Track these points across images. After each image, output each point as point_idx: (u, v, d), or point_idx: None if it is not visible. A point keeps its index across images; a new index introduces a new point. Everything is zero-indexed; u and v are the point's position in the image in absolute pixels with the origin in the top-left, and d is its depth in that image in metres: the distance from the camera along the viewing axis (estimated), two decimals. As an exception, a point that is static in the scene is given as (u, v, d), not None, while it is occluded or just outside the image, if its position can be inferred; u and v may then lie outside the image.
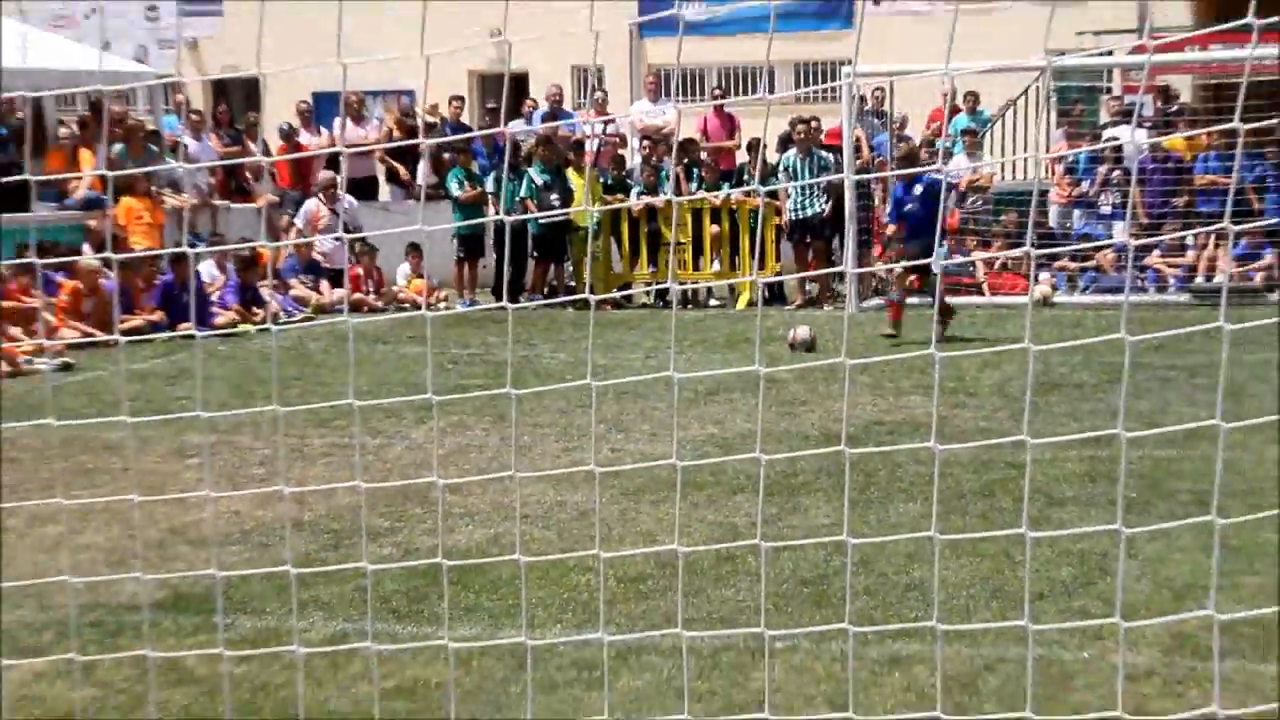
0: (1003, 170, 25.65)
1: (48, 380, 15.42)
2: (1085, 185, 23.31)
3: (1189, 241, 21.33)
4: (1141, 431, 6.95)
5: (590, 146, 23.32)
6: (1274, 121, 6.88)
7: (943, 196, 9.32)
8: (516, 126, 23.51)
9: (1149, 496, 9.27)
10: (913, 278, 16.82)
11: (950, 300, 17.81)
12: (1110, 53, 26.66)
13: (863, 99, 23.38)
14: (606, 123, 24.86)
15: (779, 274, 21.85)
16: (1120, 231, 21.32)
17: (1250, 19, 4.53)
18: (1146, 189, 22.37)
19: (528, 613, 7.23)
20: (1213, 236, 20.31)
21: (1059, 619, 6.99)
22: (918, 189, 16.88)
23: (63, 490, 10.02)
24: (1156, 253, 21.80)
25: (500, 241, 20.84)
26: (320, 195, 22.59)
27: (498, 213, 20.92)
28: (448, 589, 7.40)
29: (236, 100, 30.77)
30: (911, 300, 17.15)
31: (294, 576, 6.57)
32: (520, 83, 30.08)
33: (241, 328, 18.82)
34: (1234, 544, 8.08)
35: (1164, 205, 22.11)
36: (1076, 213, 22.90)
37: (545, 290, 21.68)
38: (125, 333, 17.51)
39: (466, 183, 22.26)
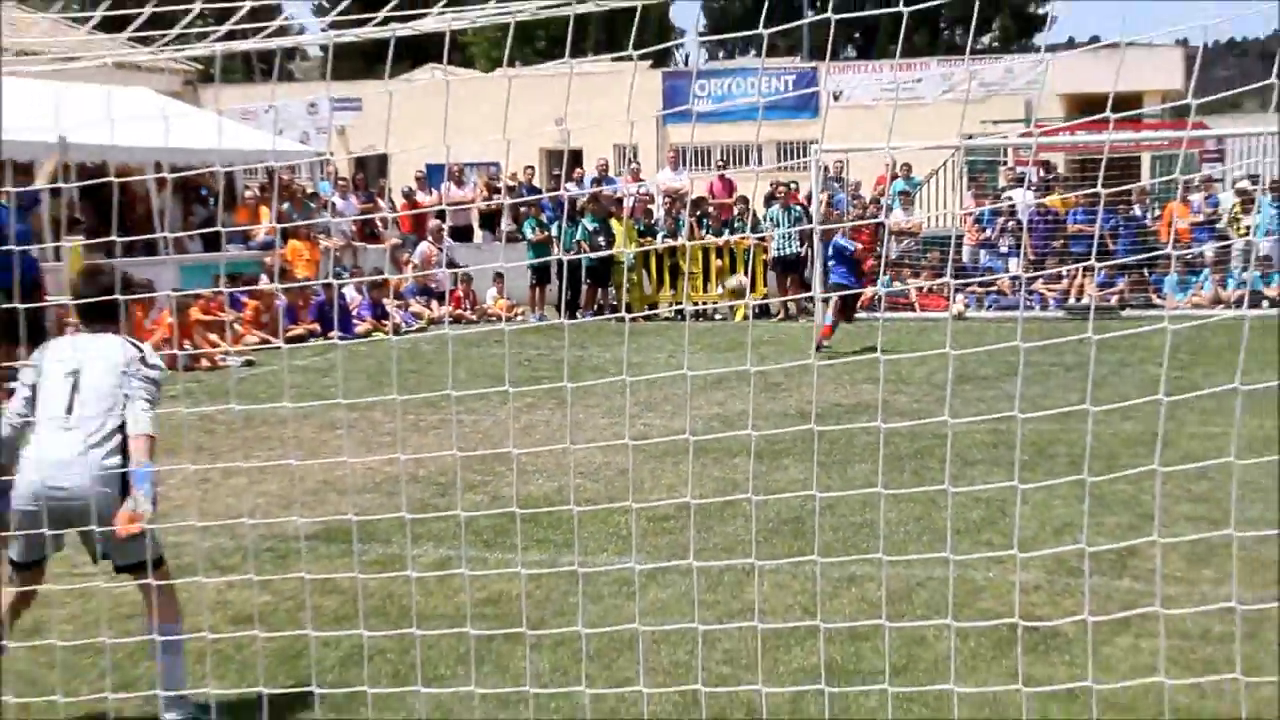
0: (929, 221, 25.59)
1: (234, 374, 15.49)
2: (988, 232, 23.37)
3: (1064, 273, 21.32)
4: (1032, 414, 6.89)
5: (627, 203, 23.35)
6: (1126, 187, 6.86)
7: (886, 240, 9.23)
8: (573, 189, 23.53)
9: (1037, 460, 9.19)
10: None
11: (890, 315, 17.76)
12: (1005, 136, 26.77)
13: (826, 169, 23.33)
14: (639, 186, 24.84)
15: (765, 296, 21.83)
16: (1014, 266, 21.50)
17: (1108, 113, 4.50)
18: (1033, 235, 22.48)
19: (580, 544, 7.20)
20: (1081, 269, 20.35)
21: (971, 549, 6.92)
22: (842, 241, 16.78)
23: (244, 452, 10.04)
24: (1041, 281, 21.81)
25: (561, 272, 21.02)
26: (431, 238, 22.71)
27: (559, 251, 21.03)
28: (520, 526, 7.38)
29: (371, 170, 30.83)
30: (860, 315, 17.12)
31: (409, 517, 6.54)
32: (576, 156, 30.05)
33: (374, 335, 18.85)
34: (1096, 494, 8.03)
35: (1045, 247, 22.17)
36: (982, 252, 22.94)
37: (595, 308, 21.72)
38: (289, 339, 17.55)
39: (537, 229, 22.34)
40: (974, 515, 7.90)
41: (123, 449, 4.96)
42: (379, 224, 24.40)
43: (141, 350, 5.17)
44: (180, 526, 7.18)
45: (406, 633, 5.31)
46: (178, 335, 15.80)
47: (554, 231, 22.28)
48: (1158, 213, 22.67)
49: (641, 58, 32.06)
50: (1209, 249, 21.59)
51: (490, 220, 24.83)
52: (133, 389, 5.02)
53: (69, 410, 5.01)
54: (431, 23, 3.87)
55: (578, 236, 21.58)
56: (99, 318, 5.20)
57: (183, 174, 10.42)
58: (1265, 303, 19.51)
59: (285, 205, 21.28)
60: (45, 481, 4.89)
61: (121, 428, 4.98)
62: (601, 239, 21.48)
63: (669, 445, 9.69)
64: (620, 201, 23.29)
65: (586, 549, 6.99)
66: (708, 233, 22.19)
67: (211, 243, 19.49)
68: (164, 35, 4.17)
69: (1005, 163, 27.25)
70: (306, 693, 5.04)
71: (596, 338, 17.72)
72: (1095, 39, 31.04)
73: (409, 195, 24.73)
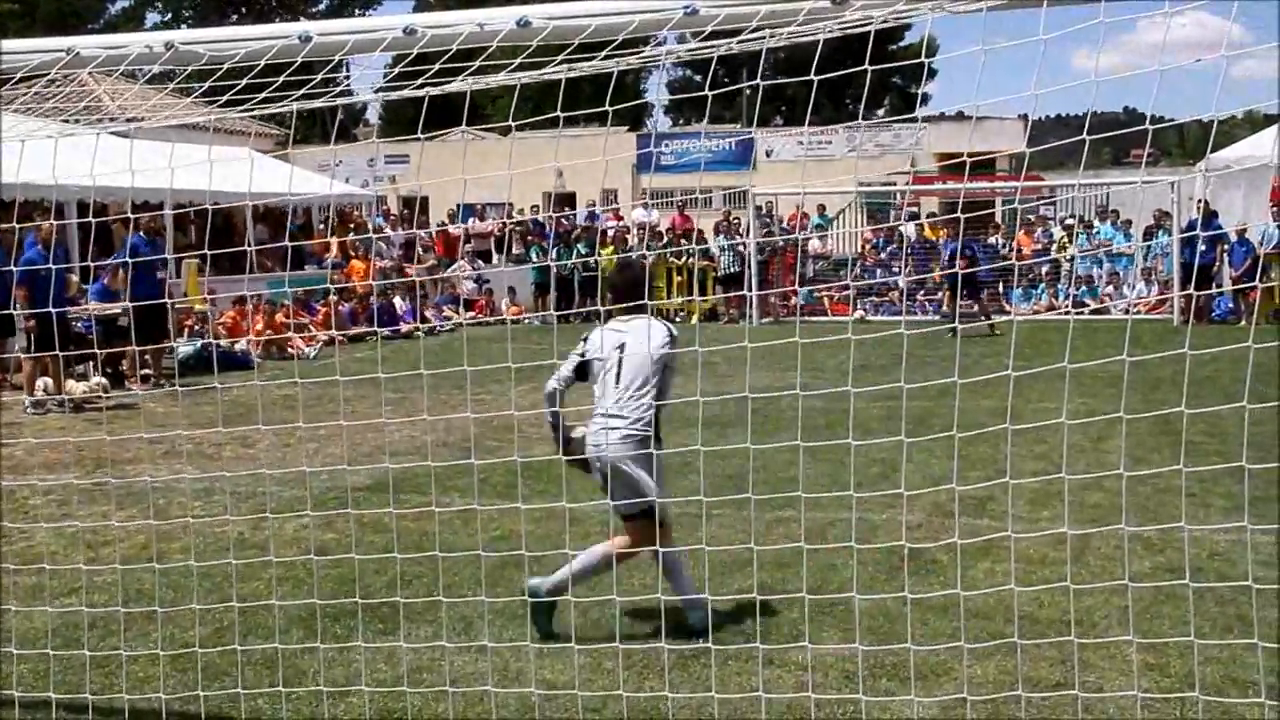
0: (838, 247, 25.58)
1: (308, 362, 15.30)
2: (882, 255, 23.36)
3: (939, 286, 21.38)
4: (915, 385, 6.89)
5: (610, 233, 23.23)
6: (986, 213, 6.79)
7: (796, 263, 9.15)
8: (571, 220, 23.36)
9: (918, 429, 9.12)
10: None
11: (809, 318, 17.75)
12: (894, 183, 26.77)
13: (759, 207, 23.26)
14: (619, 220, 24.69)
15: (713, 305, 21.85)
16: (901, 281, 21.52)
17: (964, 158, 4.43)
18: (915, 258, 22.52)
19: (571, 494, 7.10)
20: (947, 284, 20.44)
21: (870, 497, 6.84)
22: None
23: (308, 421, 9.89)
24: (921, 293, 21.83)
25: (557, 285, 20.90)
26: (462, 260, 22.58)
27: (557, 270, 20.93)
28: (521, 483, 7.28)
29: (414, 208, 30.68)
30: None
31: (435, 470, 6.44)
32: (571, 198, 29.99)
33: (415, 333, 18.72)
34: (964, 455, 7.99)
35: (924, 267, 22.21)
36: (878, 270, 22.91)
37: (585, 313, 21.58)
38: (351, 338, 17.39)
39: (540, 253, 22.18)
40: (872, 471, 7.85)
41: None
42: (420, 249, 24.32)
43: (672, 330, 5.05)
44: (263, 476, 7.06)
45: (431, 555, 5.21)
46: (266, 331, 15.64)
47: (553, 255, 22.14)
48: (1008, 244, 22.86)
49: (619, 123, 31.93)
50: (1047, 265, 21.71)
51: (505, 246, 24.70)
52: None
53: (618, 380, 4.91)
54: (456, 86, 3.79)
55: (572, 259, 21.45)
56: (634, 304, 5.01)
57: (267, 203, 10.26)
58: (1087, 309, 19.78)
59: (350, 236, 21.13)
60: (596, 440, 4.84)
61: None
62: (590, 260, 21.36)
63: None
64: (605, 232, 23.15)
65: (579, 496, 6.91)
66: (669, 255, 22.11)
67: (295, 262, 19.36)
68: (252, 99, 4.08)
69: (894, 203, 27.33)
70: (357, 606, 4.94)
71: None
72: (960, 113, 31.11)
73: (442, 227, 24.58)
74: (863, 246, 24.43)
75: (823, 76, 3.57)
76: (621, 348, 4.93)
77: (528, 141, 25.92)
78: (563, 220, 22.72)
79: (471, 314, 20.89)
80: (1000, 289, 21.06)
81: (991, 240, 22.34)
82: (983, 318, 18.39)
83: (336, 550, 6.21)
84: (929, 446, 7.99)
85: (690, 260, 21.57)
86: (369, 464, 8.40)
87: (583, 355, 5.05)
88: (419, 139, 6.24)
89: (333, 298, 17.99)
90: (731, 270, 21.59)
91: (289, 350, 15.92)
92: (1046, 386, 10.37)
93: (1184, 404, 3.47)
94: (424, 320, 19.86)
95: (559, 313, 20.25)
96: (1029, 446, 8.36)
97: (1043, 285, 21.78)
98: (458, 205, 25.90)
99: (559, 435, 4.98)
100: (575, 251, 21.59)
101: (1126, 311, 20.36)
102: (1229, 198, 20.71)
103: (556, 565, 5.64)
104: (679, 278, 21.85)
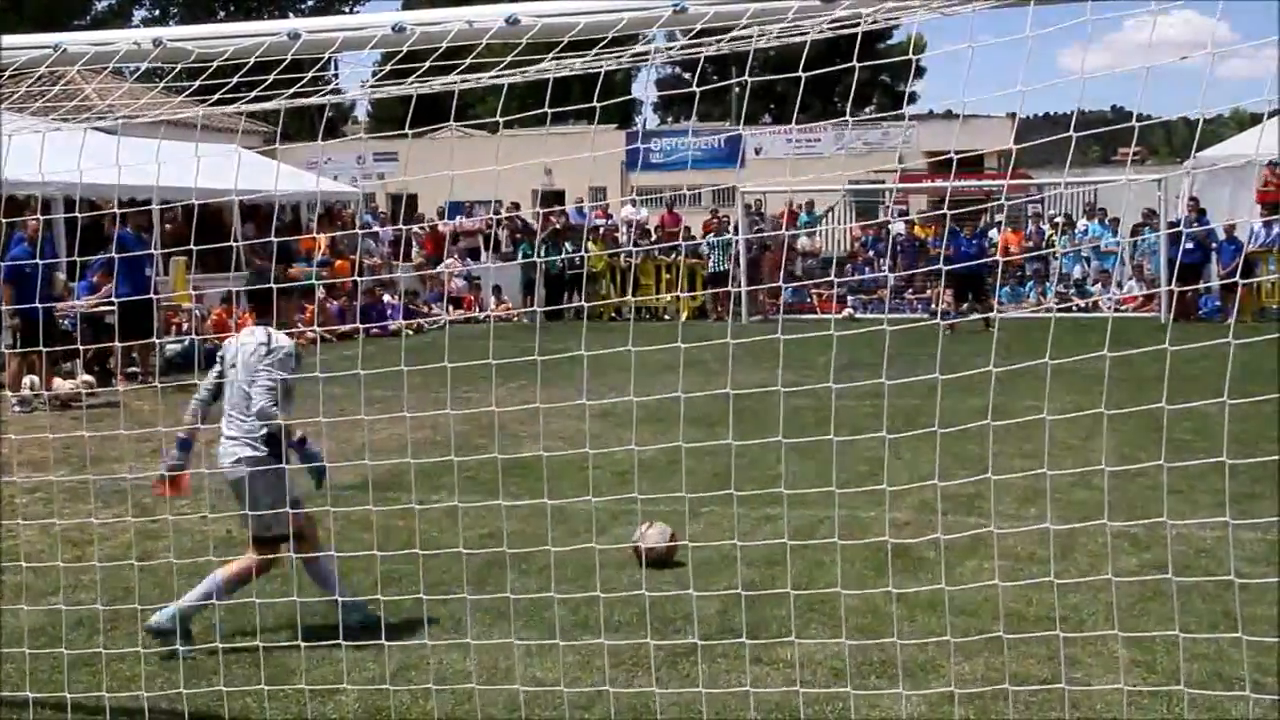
0: (828, 244, 25.63)
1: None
2: (871, 253, 23.42)
3: (927, 284, 21.38)
4: (901, 379, 6.91)
5: (601, 230, 23.24)
6: (970, 207, 6.80)
7: (783, 261, 9.15)
8: (560, 216, 23.32)
9: (907, 426, 9.06)
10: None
11: (800, 316, 17.89)
12: (883, 181, 26.80)
13: (748, 205, 23.29)
14: (608, 217, 24.69)
15: (702, 303, 21.87)
16: (890, 279, 21.55)
17: (951, 153, 4.42)
18: (902, 255, 22.59)
19: (557, 491, 7.09)
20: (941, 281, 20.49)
21: (858, 494, 6.83)
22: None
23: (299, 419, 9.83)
24: (910, 290, 21.89)
25: (546, 283, 20.81)
26: (450, 259, 22.55)
27: (545, 268, 20.87)
28: (502, 477, 7.27)
29: (402, 206, 30.57)
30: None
31: (420, 467, 6.43)
32: (560, 195, 29.97)
33: (405, 331, 18.66)
34: (952, 452, 7.99)
35: (913, 264, 22.26)
36: (867, 269, 22.97)
37: (573, 311, 21.54)
38: (339, 335, 17.34)
39: (529, 251, 22.14)
40: (860, 469, 7.85)
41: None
42: (408, 246, 24.30)
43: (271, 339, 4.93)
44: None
45: (411, 552, 5.19)
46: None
47: (541, 252, 22.12)
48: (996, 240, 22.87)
49: (607, 120, 31.93)
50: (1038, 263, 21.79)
51: (493, 243, 24.67)
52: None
53: (232, 394, 4.93)
54: (445, 83, 3.80)
55: (561, 256, 21.41)
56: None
57: (253, 200, 10.21)
58: (1075, 307, 19.96)
59: (339, 233, 21.08)
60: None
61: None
62: (579, 257, 21.29)
63: (627, 415, 9.60)
64: (596, 229, 23.15)
65: (564, 493, 6.90)
66: (659, 253, 22.12)
67: (283, 259, 19.26)
68: (241, 96, 4.08)
69: (883, 201, 27.37)
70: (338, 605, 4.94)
71: (575, 334, 17.60)
72: (949, 111, 31.29)
73: (431, 225, 24.51)
74: (852, 244, 24.49)
75: (811, 74, 3.59)
76: (235, 361, 4.91)
77: (516, 139, 25.87)
78: (551, 218, 22.67)
79: (460, 311, 20.86)
80: (989, 287, 21.09)
81: (987, 238, 22.37)
82: (977, 313, 18.45)
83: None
84: (916, 445, 8.01)
85: (679, 259, 21.59)
86: (356, 461, 8.36)
87: (219, 371, 4.99)
88: (407, 135, 6.23)
89: (320, 294, 17.93)
90: (720, 268, 21.62)
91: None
92: (1036, 384, 10.38)
93: (1165, 400, 3.48)
94: (410, 317, 19.82)
95: (546, 308, 20.25)
96: (1017, 445, 8.37)
97: (1031, 283, 21.88)
98: (446, 202, 25.86)
99: (183, 450, 4.91)
100: (563, 249, 21.55)
101: (1115, 308, 20.48)
102: (1216, 196, 20.82)
103: (543, 564, 5.64)
104: (667, 275, 21.87)
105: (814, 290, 21.74)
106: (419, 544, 4.92)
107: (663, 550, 5.89)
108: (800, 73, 3.56)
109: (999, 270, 20.28)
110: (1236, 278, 17.19)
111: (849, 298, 22.07)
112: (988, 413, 3.74)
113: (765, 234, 21.81)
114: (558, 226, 22.11)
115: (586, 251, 21.30)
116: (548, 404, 5.19)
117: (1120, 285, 21.65)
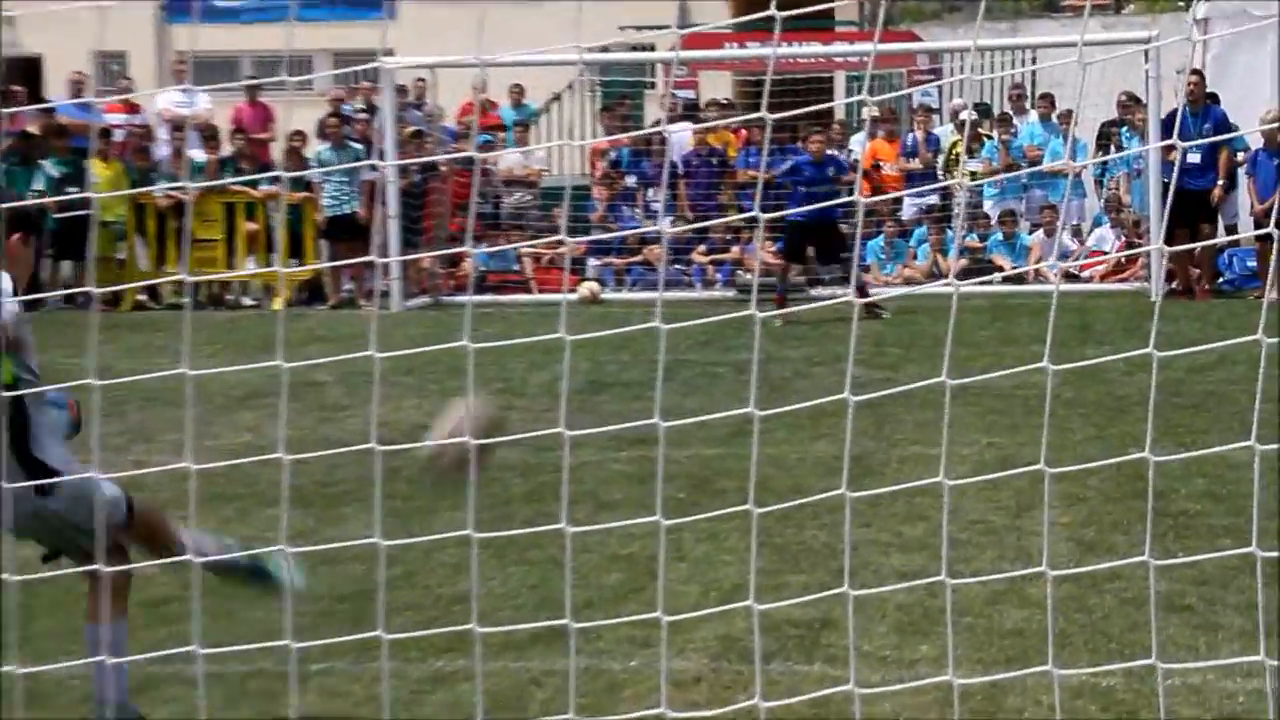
0: (551, 164, 25.77)
1: None
2: (631, 180, 23.65)
3: (731, 235, 21.80)
4: (681, 421, 6.99)
5: (118, 139, 22.58)
6: (798, 113, 6.90)
7: (474, 192, 9.19)
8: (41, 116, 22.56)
9: (697, 496, 9.33)
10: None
11: (499, 298, 18.14)
12: (652, 47, 27.27)
13: (404, 89, 23.19)
14: (132, 111, 24.06)
15: (316, 276, 21.63)
16: (667, 225, 21.51)
17: (772, 10, 4.52)
18: (689, 183, 22.88)
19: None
20: (759, 231, 20.71)
21: (606, 629, 6.91)
22: None
23: None
24: (702, 248, 22.27)
25: (16, 224, 20.04)
26: None
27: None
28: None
29: None
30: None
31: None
32: (31, 68, 29.06)
33: None
34: (778, 542, 8.21)
35: (709, 201, 22.56)
36: (624, 207, 23.17)
37: (64, 288, 20.87)
38: None
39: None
40: (610, 580, 7.94)
41: None
42: None
43: None
44: None
45: None
46: None
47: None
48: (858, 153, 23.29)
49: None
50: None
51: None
52: None
53: None
54: None
55: (38, 186, 20.75)
56: None
57: None
58: (998, 276, 20.17)
59: None
60: None
61: None
62: (74, 189, 20.78)
63: (175, 490, 9.39)
64: (107, 134, 22.47)
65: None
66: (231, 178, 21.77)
67: None
68: None
69: (652, 84, 27.79)
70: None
71: (66, 334, 17.02)
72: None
73: None
74: (593, 163, 24.73)
75: None
76: None
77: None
78: (19, 118, 21.89)
79: None
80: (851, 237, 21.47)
81: (832, 152, 22.70)
82: (810, 290, 18.97)
83: None
84: (710, 523, 8.18)
85: (270, 193, 21.26)
86: None
87: None
88: None
89: None
90: (348, 209, 21.37)
91: None
92: (925, 418, 10.82)
93: (1149, 444, 3.65)
94: None
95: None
96: (896, 527, 8.67)
97: (923, 230, 22.58)
98: None
99: None
100: (43, 176, 20.86)
101: (1070, 276, 21.34)
102: (1244, 70, 21.28)
103: None
104: (250, 224, 21.53)
105: (527, 253, 21.86)
106: None
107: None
108: None
109: (860, 211, 20.80)
110: (1274, 213, 17.86)
111: (590, 261, 22.30)
112: (854, 466, 3.84)
113: (435, 150, 21.79)
114: (29, 133, 21.38)
115: (90, 181, 20.74)
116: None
117: (1079, 234, 22.60)
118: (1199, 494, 9.17)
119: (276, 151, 23.13)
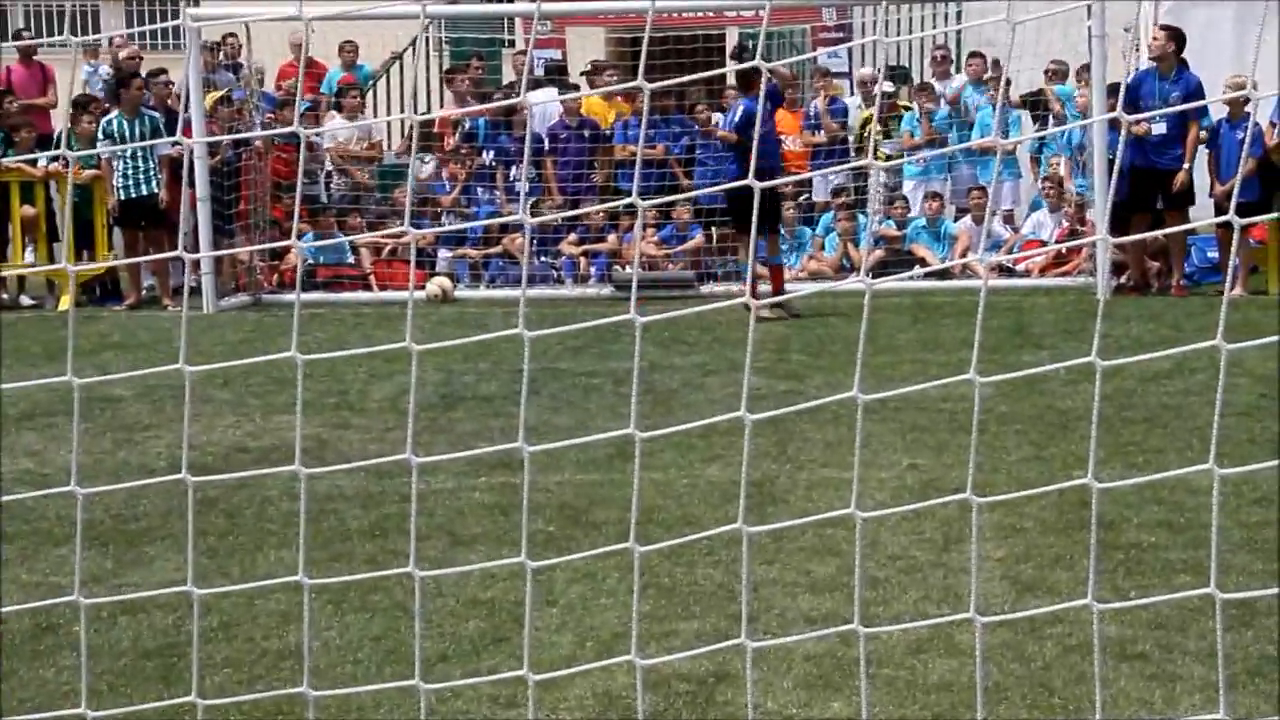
0: (386, 139, 25.82)
1: None
2: (487, 156, 23.71)
3: (610, 223, 21.91)
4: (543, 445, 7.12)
5: None
6: (688, 79, 6.97)
7: (300, 170, 9.26)
8: None
9: (569, 530, 9.41)
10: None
11: (331, 296, 18.28)
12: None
13: (213, 47, 23.14)
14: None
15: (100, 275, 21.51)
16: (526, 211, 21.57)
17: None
18: (559, 159, 22.90)
19: None
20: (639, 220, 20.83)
21: (466, 685, 7.01)
22: None
23: None
24: (573, 237, 22.35)
25: None
26: None
27: None
28: None
29: None
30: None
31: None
32: None
33: None
34: (665, 583, 8.32)
35: (581, 179, 22.60)
36: (478, 189, 23.22)
37: None
38: None
39: None
40: (468, 629, 8.01)
41: None
42: None
43: None
44: None
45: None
46: None
47: None
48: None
49: None
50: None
51: None
52: None
53: None
54: None
55: None
56: None
57: None
58: (918, 271, 20.49)
59: None
60: None
61: None
62: None
63: None
64: None
65: None
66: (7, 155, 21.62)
67: None
68: None
69: (510, 42, 27.94)
70: None
71: None
72: None
73: None
74: (443, 136, 24.82)
75: None
76: None
77: None
78: None
79: None
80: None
81: (719, 119, 22.98)
82: (700, 286, 19.12)
83: None
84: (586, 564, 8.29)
85: (50, 169, 21.15)
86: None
87: None
88: None
89: None
90: (145, 190, 21.25)
91: None
92: (836, 436, 10.97)
93: (1090, 469, 3.80)
94: None
95: None
96: (804, 565, 8.81)
97: (830, 216, 22.85)
98: None
99: None
100: None
101: (1002, 269, 21.60)
102: (1207, 30, 21.17)
103: None
104: (28, 208, 21.41)
105: (365, 244, 21.86)
106: None
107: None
108: None
109: (757, 194, 21.05)
110: (1234, 197, 18.18)
111: (441, 253, 22.35)
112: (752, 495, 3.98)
113: (251, 120, 21.78)
114: None
115: None
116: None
117: (1012, 222, 22.94)
118: (1153, 524, 9.30)
119: (58, 121, 23.03)
